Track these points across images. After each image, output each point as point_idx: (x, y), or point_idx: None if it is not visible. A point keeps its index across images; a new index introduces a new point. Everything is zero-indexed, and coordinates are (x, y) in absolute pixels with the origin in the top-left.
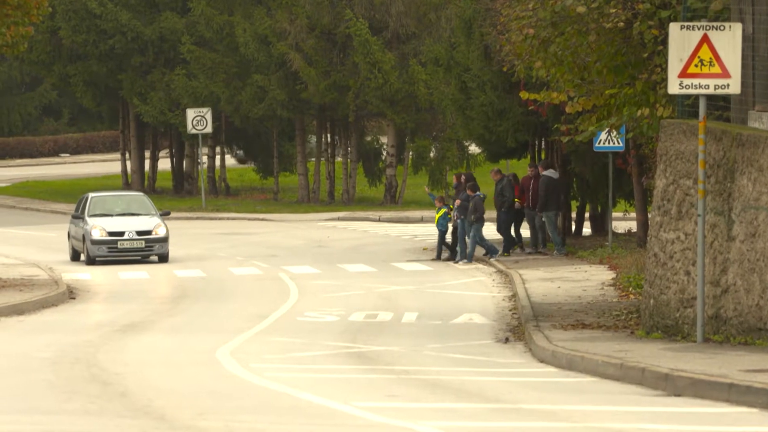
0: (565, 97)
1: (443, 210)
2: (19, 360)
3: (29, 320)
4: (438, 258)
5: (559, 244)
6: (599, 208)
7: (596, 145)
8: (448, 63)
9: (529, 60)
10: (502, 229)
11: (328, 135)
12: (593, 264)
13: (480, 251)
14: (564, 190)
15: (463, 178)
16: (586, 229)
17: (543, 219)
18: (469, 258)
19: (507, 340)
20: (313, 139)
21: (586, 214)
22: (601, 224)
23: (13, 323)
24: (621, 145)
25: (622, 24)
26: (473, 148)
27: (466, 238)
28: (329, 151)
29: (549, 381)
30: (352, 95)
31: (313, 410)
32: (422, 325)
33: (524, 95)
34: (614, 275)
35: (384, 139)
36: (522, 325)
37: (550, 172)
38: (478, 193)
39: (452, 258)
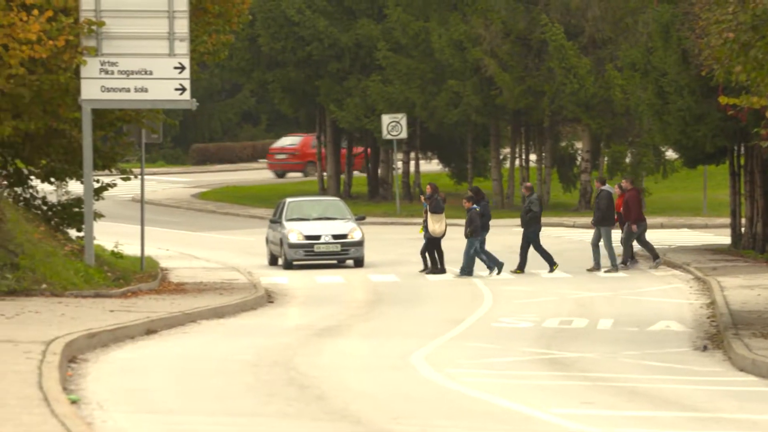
0: (766, 101)
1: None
2: (219, 362)
3: (229, 323)
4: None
5: (612, 258)
6: None
7: None
8: (645, 67)
9: (728, 64)
10: (536, 245)
11: (523, 140)
12: None
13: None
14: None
15: (471, 193)
16: None
17: (623, 234)
18: (470, 272)
19: (705, 348)
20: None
21: None
22: None
23: (213, 326)
24: None
25: None
26: (670, 154)
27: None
28: (523, 156)
29: (749, 390)
30: (547, 100)
31: (507, 416)
32: (618, 331)
33: (723, 100)
34: None
35: (579, 145)
36: (720, 333)
37: (609, 187)
38: (474, 206)
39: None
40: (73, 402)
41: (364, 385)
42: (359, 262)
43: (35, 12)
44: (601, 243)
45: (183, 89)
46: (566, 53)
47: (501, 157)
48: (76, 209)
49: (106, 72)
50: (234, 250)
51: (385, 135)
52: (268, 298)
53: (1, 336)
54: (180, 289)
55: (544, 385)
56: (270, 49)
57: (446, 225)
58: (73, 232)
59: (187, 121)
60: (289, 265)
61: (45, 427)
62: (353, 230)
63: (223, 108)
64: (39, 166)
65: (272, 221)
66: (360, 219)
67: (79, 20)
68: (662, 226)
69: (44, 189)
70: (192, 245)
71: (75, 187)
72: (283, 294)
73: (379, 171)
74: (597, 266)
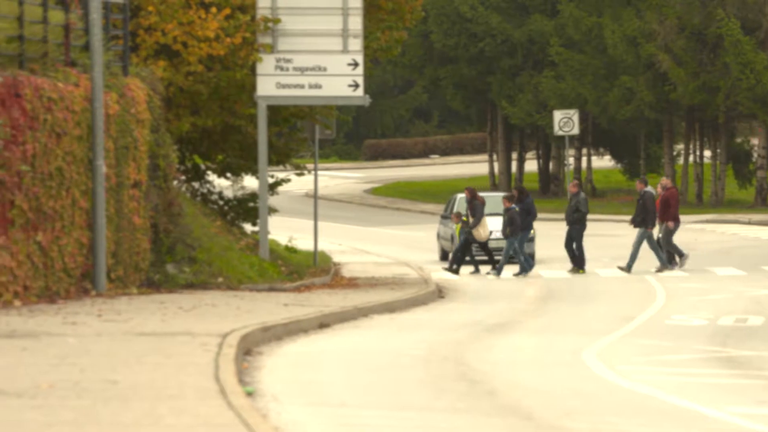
0: None
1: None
2: (391, 357)
3: (400, 318)
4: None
5: (632, 260)
6: None
7: None
8: None
9: None
10: (578, 244)
11: (696, 136)
12: None
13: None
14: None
15: (516, 192)
16: None
17: (659, 234)
18: (499, 270)
19: None
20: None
21: None
22: None
23: (385, 321)
24: None
25: None
26: None
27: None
28: (697, 152)
29: None
30: (722, 96)
31: (680, 414)
32: None
33: None
34: None
35: (755, 141)
36: None
37: (651, 189)
38: (513, 206)
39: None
40: (249, 394)
41: (535, 381)
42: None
43: (213, 10)
44: (646, 244)
45: (356, 85)
46: (743, 48)
47: (674, 153)
48: (251, 204)
49: (281, 69)
50: (404, 245)
51: (557, 131)
52: (439, 293)
53: (179, 328)
54: (352, 283)
55: (717, 383)
56: (442, 46)
57: (489, 229)
58: (248, 227)
59: (359, 117)
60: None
61: (221, 418)
62: None
63: (395, 104)
64: (216, 162)
65: (443, 217)
66: None
67: (256, 18)
68: None
69: (220, 184)
70: (364, 240)
71: (250, 183)
72: (454, 289)
73: (550, 167)
74: (666, 264)
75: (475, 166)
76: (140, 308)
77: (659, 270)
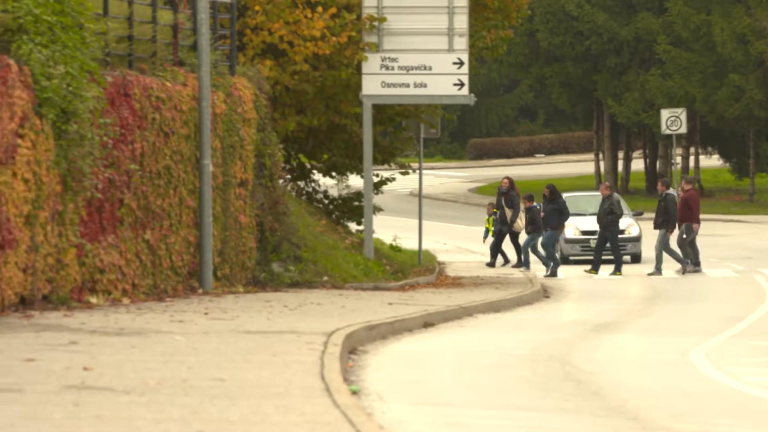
0: None
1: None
2: (495, 356)
3: (505, 318)
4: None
5: (658, 262)
6: None
7: None
8: None
9: None
10: (614, 245)
11: None
12: None
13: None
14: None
15: (547, 191)
16: None
17: (683, 236)
18: (528, 265)
19: None
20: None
21: None
22: None
23: (490, 320)
24: None
25: None
26: None
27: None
28: None
29: None
30: None
31: None
32: None
33: None
34: None
35: None
36: None
37: (674, 191)
38: (534, 204)
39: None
40: (354, 393)
41: (642, 381)
42: (636, 258)
43: (320, 9)
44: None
45: (461, 84)
46: None
47: None
48: (356, 203)
49: (387, 68)
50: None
51: (664, 130)
52: (544, 292)
53: (285, 327)
54: (457, 283)
55: None
56: (548, 44)
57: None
58: (353, 226)
59: (464, 116)
60: (565, 260)
61: (327, 417)
62: (630, 226)
63: (500, 103)
64: (321, 161)
65: None
66: (637, 215)
67: (362, 17)
68: None
69: (325, 183)
70: (468, 239)
71: (355, 182)
72: (559, 289)
73: (657, 166)
74: (686, 265)
75: (581, 165)
76: (246, 306)
77: (681, 271)
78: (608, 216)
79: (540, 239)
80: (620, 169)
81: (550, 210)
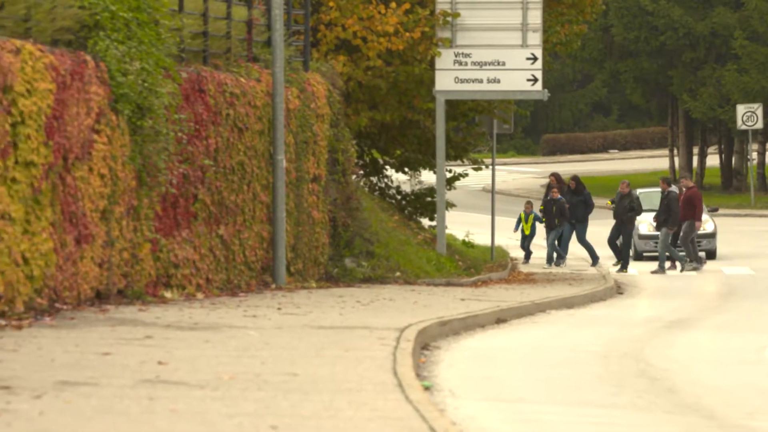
0: None
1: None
2: (568, 352)
3: (578, 314)
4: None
5: (662, 261)
6: None
7: None
8: None
9: None
10: (626, 243)
11: None
12: None
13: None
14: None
15: (553, 179)
16: None
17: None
18: (550, 260)
19: None
20: None
21: None
22: None
23: (563, 316)
24: None
25: None
26: None
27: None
28: None
29: None
30: None
31: None
32: None
33: None
34: None
35: None
36: None
37: (676, 189)
38: (560, 197)
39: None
40: (426, 388)
41: (717, 379)
42: (711, 254)
43: (393, 5)
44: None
45: (535, 80)
46: None
47: None
48: (429, 199)
49: (460, 63)
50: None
51: (740, 125)
52: (618, 289)
53: (357, 322)
54: (529, 278)
55: None
56: (623, 39)
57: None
58: (425, 222)
59: (537, 112)
60: (639, 256)
61: (399, 412)
62: (705, 222)
63: (574, 98)
64: (393, 156)
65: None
66: (713, 210)
67: (435, 12)
68: None
69: (398, 178)
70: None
71: (428, 177)
72: (632, 285)
73: (733, 162)
74: (689, 261)
75: (656, 161)
76: (319, 302)
77: (683, 269)
78: (628, 213)
79: (563, 232)
80: (695, 165)
81: (576, 202)
